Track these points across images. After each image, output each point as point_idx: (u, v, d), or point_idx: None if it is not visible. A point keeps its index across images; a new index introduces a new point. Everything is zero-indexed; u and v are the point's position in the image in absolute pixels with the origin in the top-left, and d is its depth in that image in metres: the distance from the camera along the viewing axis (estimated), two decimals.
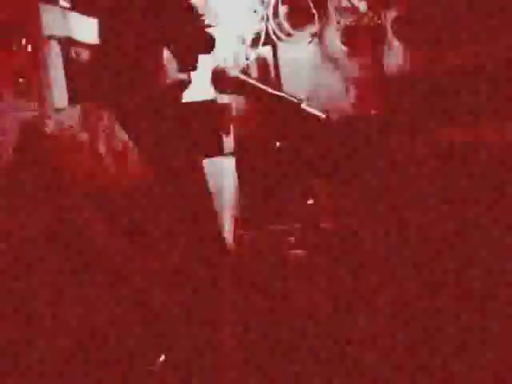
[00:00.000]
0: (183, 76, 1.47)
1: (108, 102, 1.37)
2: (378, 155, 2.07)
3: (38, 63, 1.52)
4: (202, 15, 1.60)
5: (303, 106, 1.65)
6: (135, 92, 1.38)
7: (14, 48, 1.49)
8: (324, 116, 1.65)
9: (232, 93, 1.80)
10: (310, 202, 2.00)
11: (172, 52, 1.44)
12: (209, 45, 1.53)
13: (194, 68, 1.52)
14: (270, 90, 1.63)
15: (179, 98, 1.52)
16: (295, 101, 1.64)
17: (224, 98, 2.10)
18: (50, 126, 1.30)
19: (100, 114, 1.35)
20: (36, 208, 1.27)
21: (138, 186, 1.33)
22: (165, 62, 1.41)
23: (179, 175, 1.46)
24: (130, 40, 1.34)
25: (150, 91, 1.40)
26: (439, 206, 2.02)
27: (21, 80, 1.49)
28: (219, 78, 1.70)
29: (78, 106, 1.37)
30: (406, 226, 1.96)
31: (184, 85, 1.48)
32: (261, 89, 1.63)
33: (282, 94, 1.64)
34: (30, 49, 1.52)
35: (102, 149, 1.33)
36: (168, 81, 1.42)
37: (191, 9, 1.48)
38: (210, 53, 1.53)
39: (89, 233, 1.29)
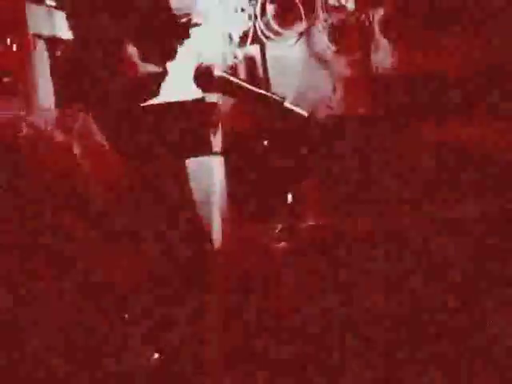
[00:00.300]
0: (156, 68, 1.46)
1: (83, 102, 1.37)
2: (365, 153, 2.08)
3: (23, 63, 1.51)
4: (188, 14, 1.60)
5: (286, 104, 1.65)
6: (107, 89, 1.37)
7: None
8: (306, 114, 1.65)
9: (217, 92, 1.80)
10: (289, 200, 2.00)
11: (140, 45, 1.42)
12: (183, 34, 1.53)
13: (170, 58, 1.50)
14: (254, 89, 1.63)
15: (156, 91, 1.51)
16: (278, 99, 1.64)
17: (212, 97, 2.09)
18: (24, 129, 1.30)
19: (76, 116, 1.35)
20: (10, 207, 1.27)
21: (116, 188, 1.33)
22: (130, 56, 1.40)
23: (160, 176, 1.45)
24: (98, 36, 1.33)
25: (123, 87, 1.39)
26: (426, 205, 2.04)
27: (6, 79, 1.48)
28: (203, 77, 1.70)
29: (53, 108, 1.36)
30: (393, 224, 1.97)
31: (160, 77, 1.47)
32: (246, 88, 1.63)
33: (265, 93, 1.64)
34: (15, 48, 1.51)
35: (77, 150, 1.32)
36: (139, 74, 1.41)
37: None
38: (182, 43, 1.52)
39: (66, 233, 1.29)
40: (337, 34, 2.27)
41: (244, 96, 1.85)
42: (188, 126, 2.05)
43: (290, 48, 2.25)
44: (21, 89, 1.50)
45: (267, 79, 2.24)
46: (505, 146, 2.06)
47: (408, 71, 2.23)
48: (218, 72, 1.97)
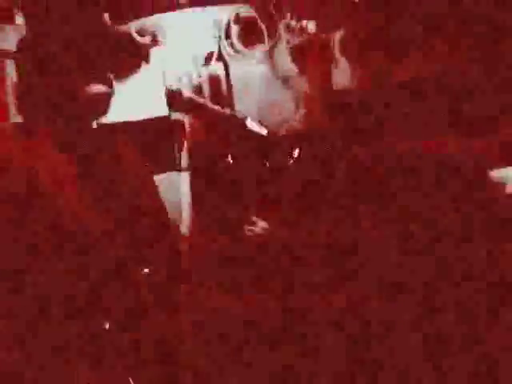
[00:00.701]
0: (101, 88, 1.53)
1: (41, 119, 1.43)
2: (325, 167, 2.16)
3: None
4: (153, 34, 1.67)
5: (247, 123, 1.73)
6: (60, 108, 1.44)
7: None
8: (265, 133, 1.73)
9: (186, 112, 1.88)
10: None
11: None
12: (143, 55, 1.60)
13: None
14: (217, 109, 1.71)
15: (103, 110, 1.57)
16: (240, 118, 1.72)
17: (177, 115, 2.17)
18: None
19: (35, 133, 1.41)
20: None
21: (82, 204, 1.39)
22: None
23: (131, 191, 1.52)
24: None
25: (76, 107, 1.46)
26: (391, 219, 2.10)
27: None
28: (174, 99, 1.78)
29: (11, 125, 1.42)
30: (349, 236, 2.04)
31: (107, 97, 1.54)
32: (210, 108, 1.71)
33: (228, 113, 1.72)
34: None
35: (39, 169, 1.38)
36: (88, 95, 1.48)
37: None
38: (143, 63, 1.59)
39: None
40: (299, 54, 2.35)
41: (209, 115, 1.93)
42: (155, 143, 2.12)
43: (253, 67, 2.33)
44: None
45: (231, 97, 2.32)
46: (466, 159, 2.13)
47: (366, 88, 2.31)
48: (187, 93, 2.05)
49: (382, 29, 2.27)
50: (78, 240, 1.48)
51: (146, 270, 1.54)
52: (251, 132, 1.76)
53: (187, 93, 1.92)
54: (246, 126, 1.73)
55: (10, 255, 1.44)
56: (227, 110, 1.83)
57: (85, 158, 1.55)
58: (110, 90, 1.52)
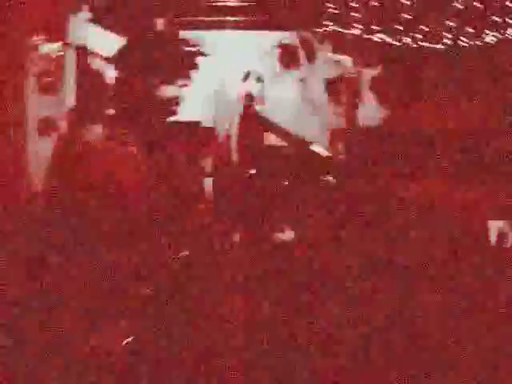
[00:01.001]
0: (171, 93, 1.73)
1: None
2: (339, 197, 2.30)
3: (59, 66, 1.75)
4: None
5: (313, 147, 1.89)
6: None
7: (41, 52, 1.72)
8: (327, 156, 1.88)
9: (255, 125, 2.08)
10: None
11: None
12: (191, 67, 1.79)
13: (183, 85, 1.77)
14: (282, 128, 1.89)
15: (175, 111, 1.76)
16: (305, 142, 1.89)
17: (209, 123, 2.33)
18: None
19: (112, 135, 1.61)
20: None
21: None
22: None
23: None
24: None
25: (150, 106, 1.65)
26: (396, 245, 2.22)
27: (47, 79, 1.71)
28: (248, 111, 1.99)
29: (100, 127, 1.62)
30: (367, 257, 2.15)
31: (174, 102, 1.74)
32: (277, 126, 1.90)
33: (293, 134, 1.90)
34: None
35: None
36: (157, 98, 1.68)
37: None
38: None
39: None
40: (332, 86, 2.51)
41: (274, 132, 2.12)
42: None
43: (288, 91, 2.49)
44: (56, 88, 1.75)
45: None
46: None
47: (388, 126, 2.45)
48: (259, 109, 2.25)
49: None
50: (144, 221, 1.66)
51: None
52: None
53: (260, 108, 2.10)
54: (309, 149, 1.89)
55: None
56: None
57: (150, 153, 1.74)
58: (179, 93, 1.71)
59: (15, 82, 1.70)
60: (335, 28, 2.48)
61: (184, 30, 2.18)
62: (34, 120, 1.72)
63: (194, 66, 1.92)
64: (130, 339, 1.62)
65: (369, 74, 2.49)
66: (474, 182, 2.28)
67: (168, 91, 1.74)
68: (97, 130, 1.68)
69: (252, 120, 2.38)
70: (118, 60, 1.71)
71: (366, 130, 2.50)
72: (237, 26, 2.31)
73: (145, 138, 1.70)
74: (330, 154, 2.02)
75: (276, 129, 2.15)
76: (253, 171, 2.36)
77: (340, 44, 2.45)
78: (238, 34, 2.34)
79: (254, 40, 2.39)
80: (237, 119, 2.35)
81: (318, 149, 2.05)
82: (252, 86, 2.44)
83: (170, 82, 1.76)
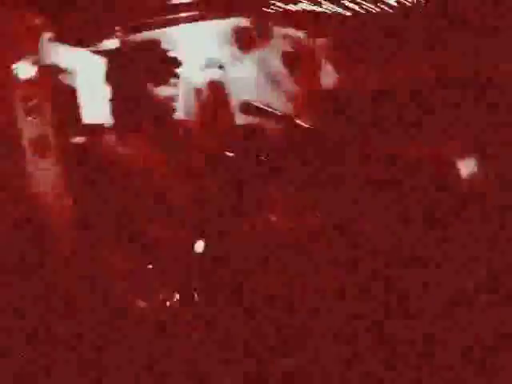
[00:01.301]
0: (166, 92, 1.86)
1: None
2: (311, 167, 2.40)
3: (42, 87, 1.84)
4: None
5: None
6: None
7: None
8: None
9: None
10: None
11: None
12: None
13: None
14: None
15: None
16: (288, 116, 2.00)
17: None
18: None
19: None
20: None
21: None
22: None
23: None
24: None
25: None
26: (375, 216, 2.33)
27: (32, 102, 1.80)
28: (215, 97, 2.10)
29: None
30: (351, 232, 2.26)
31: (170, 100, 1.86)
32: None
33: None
34: None
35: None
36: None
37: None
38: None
39: None
40: (289, 58, 2.61)
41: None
42: None
43: (249, 72, 2.58)
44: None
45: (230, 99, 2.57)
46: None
47: (349, 90, 2.56)
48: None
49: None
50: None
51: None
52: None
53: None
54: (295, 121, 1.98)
55: None
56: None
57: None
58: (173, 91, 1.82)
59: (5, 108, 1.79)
60: (283, 5, 2.58)
61: (139, 32, 2.26)
62: (27, 141, 1.81)
63: (176, 63, 2.02)
64: None
65: (322, 43, 2.59)
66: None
67: (162, 91, 1.85)
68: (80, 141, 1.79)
69: (220, 104, 2.48)
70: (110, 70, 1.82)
71: (328, 96, 2.61)
72: (192, 18, 2.40)
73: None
74: (311, 125, 2.12)
75: (257, 109, 2.24)
76: (230, 154, 2.46)
77: (291, 19, 2.55)
78: (195, 25, 2.43)
79: (211, 29, 2.48)
80: (204, 106, 2.45)
81: (299, 121, 2.16)
82: (215, 73, 2.53)
83: (161, 82, 1.87)
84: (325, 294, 2.10)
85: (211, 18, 2.43)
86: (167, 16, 2.32)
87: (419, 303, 2.12)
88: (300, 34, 2.58)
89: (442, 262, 2.17)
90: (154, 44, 2.18)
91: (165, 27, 2.33)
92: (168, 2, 2.33)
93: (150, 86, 1.94)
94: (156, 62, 2.00)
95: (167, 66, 2.00)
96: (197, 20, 2.41)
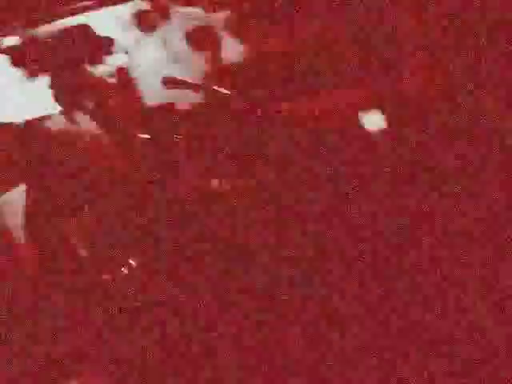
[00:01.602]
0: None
1: None
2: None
3: None
4: None
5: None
6: None
7: None
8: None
9: None
10: None
11: None
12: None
13: None
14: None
15: None
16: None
17: None
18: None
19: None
20: None
21: None
22: None
23: None
24: None
25: None
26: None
27: None
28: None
29: None
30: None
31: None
32: None
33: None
34: None
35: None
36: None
37: None
38: None
39: None
40: (191, 35, 2.66)
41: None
42: None
43: (151, 53, 2.62)
44: None
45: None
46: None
47: (252, 61, 2.63)
48: None
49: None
50: None
51: None
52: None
53: None
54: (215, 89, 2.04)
55: None
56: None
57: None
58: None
59: None
60: None
61: (43, 24, 2.28)
62: None
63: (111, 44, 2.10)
64: None
65: (221, 16, 2.65)
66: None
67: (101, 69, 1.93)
68: None
69: (129, 89, 2.52)
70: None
71: (235, 67, 2.66)
72: (90, 8, 2.42)
73: None
74: (228, 92, 2.18)
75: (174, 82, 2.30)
76: (146, 136, 2.50)
77: None
78: (97, 13, 2.45)
79: (112, 14, 2.50)
80: (114, 92, 2.48)
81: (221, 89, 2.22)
82: (121, 59, 2.56)
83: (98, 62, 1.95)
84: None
85: (108, 5, 2.46)
86: (66, 7, 2.34)
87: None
88: (198, 10, 2.63)
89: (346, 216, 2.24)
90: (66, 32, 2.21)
91: (64, 18, 2.35)
92: None
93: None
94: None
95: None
96: (95, 9, 2.44)
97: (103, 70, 2.27)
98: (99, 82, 2.11)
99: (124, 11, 2.50)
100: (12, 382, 1.59)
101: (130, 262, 1.87)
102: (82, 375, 1.57)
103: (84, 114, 1.96)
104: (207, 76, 2.69)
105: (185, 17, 2.64)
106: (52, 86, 2.06)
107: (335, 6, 2.55)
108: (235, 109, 2.44)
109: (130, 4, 2.51)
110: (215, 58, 2.74)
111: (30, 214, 1.84)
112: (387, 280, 2.01)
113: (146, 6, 2.54)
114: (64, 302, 1.78)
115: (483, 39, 2.49)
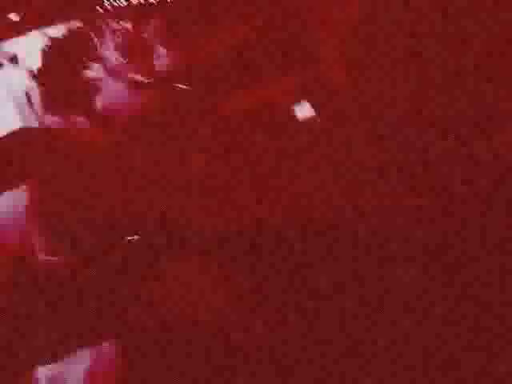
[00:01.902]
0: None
1: None
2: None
3: None
4: None
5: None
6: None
7: None
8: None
9: None
10: None
11: None
12: None
13: None
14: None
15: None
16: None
17: None
18: None
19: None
20: None
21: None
22: None
23: None
24: None
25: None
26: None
27: None
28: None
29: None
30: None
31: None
32: None
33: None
34: None
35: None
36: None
37: None
38: None
39: None
40: (124, 48, 2.82)
41: None
42: None
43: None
44: None
45: None
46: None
47: (184, 66, 2.79)
48: None
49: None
50: None
51: None
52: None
53: None
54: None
55: None
56: None
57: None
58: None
59: None
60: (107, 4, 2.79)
61: None
62: None
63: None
64: None
65: (151, 27, 2.82)
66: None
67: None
68: None
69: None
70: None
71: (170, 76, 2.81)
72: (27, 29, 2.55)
73: None
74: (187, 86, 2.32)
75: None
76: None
77: (116, 14, 2.76)
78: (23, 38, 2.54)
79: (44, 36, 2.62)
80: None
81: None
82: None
83: None
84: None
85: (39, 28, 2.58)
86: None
87: None
88: (127, 25, 2.79)
89: None
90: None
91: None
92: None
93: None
94: None
95: None
96: (30, 30, 2.55)
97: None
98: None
99: (56, 30, 2.63)
100: None
101: None
102: None
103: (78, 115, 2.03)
104: (138, 85, 2.82)
105: (115, 32, 2.80)
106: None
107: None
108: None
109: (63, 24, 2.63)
110: (150, 66, 2.88)
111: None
112: None
113: (82, 26, 2.68)
114: None
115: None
